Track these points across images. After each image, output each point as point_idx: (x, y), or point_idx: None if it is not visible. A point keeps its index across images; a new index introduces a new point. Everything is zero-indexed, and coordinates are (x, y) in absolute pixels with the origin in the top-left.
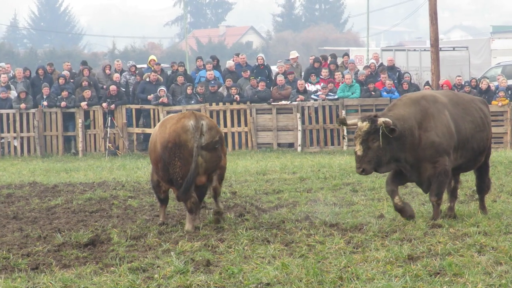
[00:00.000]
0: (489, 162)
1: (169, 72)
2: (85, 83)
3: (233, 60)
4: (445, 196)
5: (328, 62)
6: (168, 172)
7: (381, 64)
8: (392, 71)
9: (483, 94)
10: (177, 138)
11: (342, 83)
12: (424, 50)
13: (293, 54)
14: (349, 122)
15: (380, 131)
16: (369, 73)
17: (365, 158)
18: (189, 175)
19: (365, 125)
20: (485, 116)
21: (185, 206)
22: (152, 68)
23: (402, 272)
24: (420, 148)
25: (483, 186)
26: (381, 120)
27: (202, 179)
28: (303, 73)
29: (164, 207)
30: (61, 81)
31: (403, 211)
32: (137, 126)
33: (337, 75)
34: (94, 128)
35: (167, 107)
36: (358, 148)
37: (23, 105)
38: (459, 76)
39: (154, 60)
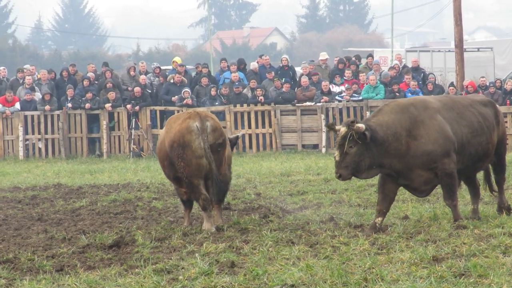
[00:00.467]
0: (504, 162)
1: (193, 74)
2: (109, 85)
3: (257, 62)
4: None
5: (349, 63)
6: (173, 171)
7: (405, 66)
8: (417, 72)
9: (508, 95)
10: (181, 139)
11: (367, 84)
12: (449, 51)
13: (323, 55)
14: (337, 127)
15: (349, 137)
16: (394, 74)
17: (342, 163)
18: (213, 176)
19: (342, 131)
20: (484, 120)
21: (198, 205)
22: (176, 70)
23: (427, 273)
24: (410, 155)
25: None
26: (356, 125)
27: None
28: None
29: (188, 211)
30: (86, 83)
31: (375, 232)
32: (162, 127)
33: (362, 76)
34: (119, 129)
35: (191, 108)
36: (336, 154)
37: (47, 107)
38: (483, 77)
39: (177, 62)
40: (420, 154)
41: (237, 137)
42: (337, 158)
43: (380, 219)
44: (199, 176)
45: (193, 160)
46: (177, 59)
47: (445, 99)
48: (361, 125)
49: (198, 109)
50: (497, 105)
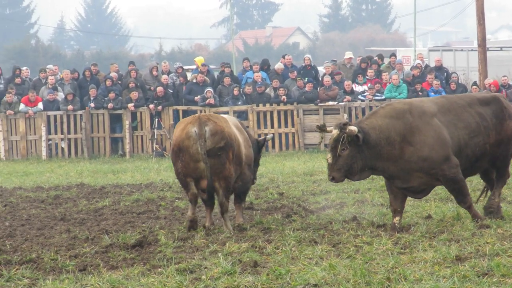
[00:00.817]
0: (507, 161)
1: (216, 74)
2: (132, 85)
3: (281, 63)
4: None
5: (371, 62)
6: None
7: (427, 65)
8: (440, 71)
9: None
10: (181, 143)
11: (389, 83)
12: (472, 50)
13: (348, 54)
14: (328, 128)
15: (342, 140)
16: (418, 73)
17: (334, 166)
18: (208, 181)
19: (335, 133)
20: (482, 119)
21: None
22: (199, 69)
23: (450, 272)
24: (404, 160)
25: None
26: (348, 128)
27: (204, 183)
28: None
29: (209, 210)
30: (108, 82)
31: (396, 231)
32: None
33: (384, 75)
34: (141, 129)
35: (214, 108)
36: (329, 156)
37: (70, 107)
38: (504, 76)
39: (199, 62)
40: (416, 160)
41: (265, 139)
42: (329, 161)
43: (397, 218)
44: (194, 177)
45: (190, 163)
46: (199, 59)
47: (442, 101)
48: (354, 128)
49: (203, 114)
50: (504, 100)
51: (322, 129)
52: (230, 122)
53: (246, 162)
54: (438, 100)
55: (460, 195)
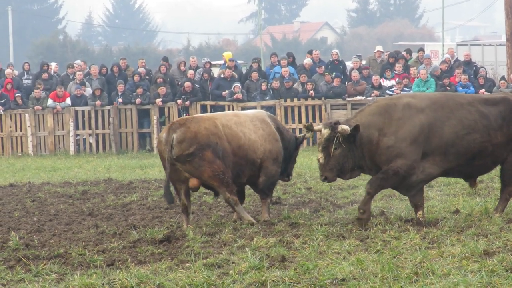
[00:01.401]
0: None
1: (244, 69)
2: (160, 80)
3: (307, 57)
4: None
5: (398, 57)
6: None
7: (457, 59)
8: (469, 66)
9: None
10: (158, 148)
11: (417, 78)
12: (500, 44)
13: (378, 48)
14: (316, 128)
15: (336, 140)
16: (446, 68)
17: (327, 166)
18: (164, 184)
19: (325, 132)
20: (482, 118)
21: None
22: (227, 64)
23: (478, 267)
24: (377, 154)
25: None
26: (340, 127)
27: (193, 182)
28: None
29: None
30: (136, 78)
31: (421, 224)
32: None
33: (413, 70)
34: None
35: (242, 103)
36: (320, 156)
37: (98, 102)
38: None
39: (227, 57)
40: (385, 150)
41: (303, 137)
42: (321, 161)
43: (420, 212)
44: (177, 182)
45: (166, 168)
46: (226, 54)
47: (437, 97)
48: (346, 127)
49: (182, 118)
50: None
51: (309, 128)
52: (223, 120)
53: (269, 157)
54: (434, 96)
55: (378, 181)
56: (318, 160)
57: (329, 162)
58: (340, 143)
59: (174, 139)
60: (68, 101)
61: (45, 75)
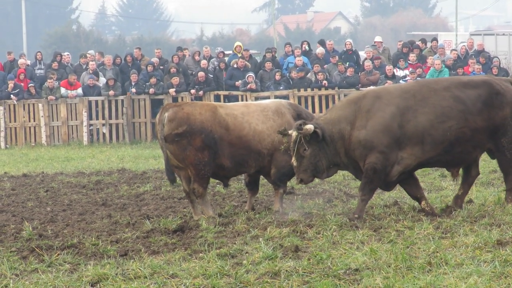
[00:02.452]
0: (505, 150)
1: (258, 59)
2: (173, 70)
3: (318, 46)
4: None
5: (413, 47)
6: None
7: (475, 50)
8: (481, 56)
9: None
10: (156, 129)
11: (432, 67)
12: None
13: (378, 38)
14: (290, 131)
15: (300, 140)
16: (456, 56)
17: (300, 168)
18: (165, 166)
19: (294, 135)
20: (458, 103)
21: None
22: (238, 55)
23: (491, 257)
24: (351, 149)
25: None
26: (304, 127)
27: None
28: (391, 57)
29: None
30: (150, 68)
31: (433, 214)
32: None
33: (430, 59)
34: None
35: (255, 93)
36: (293, 159)
37: (111, 92)
38: None
39: (240, 47)
40: (357, 144)
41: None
42: (294, 164)
43: (423, 202)
44: (175, 168)
45: (162, 148)
46: (239, 44)
47: (408, 87)
48: (309, 126)
49: (181, 102)
50: (500, 85)
51: (283, 133)
52: (228, 109)
53: (278, 148)
54: (406, 85)
55: (367, 186)
56: (292, 163)
57: (302, 163)
58: (309, 143)
59: (166, 118)
60: (80, 90)
61: (55, 64)
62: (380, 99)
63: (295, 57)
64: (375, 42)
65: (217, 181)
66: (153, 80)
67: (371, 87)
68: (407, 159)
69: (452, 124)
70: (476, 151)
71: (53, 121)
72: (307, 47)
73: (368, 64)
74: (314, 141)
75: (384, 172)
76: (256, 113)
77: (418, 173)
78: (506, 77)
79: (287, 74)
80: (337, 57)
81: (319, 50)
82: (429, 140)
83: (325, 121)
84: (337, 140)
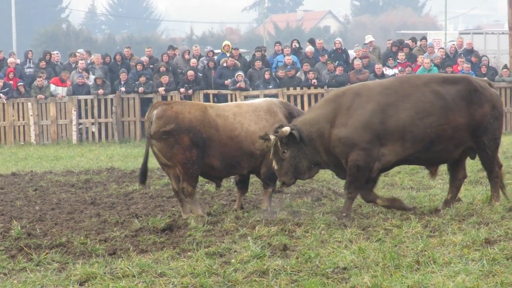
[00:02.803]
0: (488, 148)
1: (247, 57)
2: (162, 69)
3: (308, 45)
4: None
5: (402, 45)
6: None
7: (464, 49)
8: (471, 55)
9: None
10: (145, 127)
11: (421, 66)
12: (502, 33)
13: (368, 38)
14: (271, 136)
15: (278, 144)
16: (443, 55)
17: (281, 170)
18: (142, 163)
19: (272, 139)
20: (438, 99)
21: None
22: (227, 54)
23: (479, 255)
24: (332, 147)
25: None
26: (281, 130)
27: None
28: (381, 56)
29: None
30: (139, 67)
31: (394, 206)
32: None
33: (420, 58)
34: None
35: (245, 92)
36: (274, 163)
37: (101, 91)
38: None
39: (229, 46)
40: (337, 142)
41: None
42: (275, 167)
43: (379, 200)
44: (164, 166)
45: (146, 146)
46: (227, 43)
47: (389, 83)
48: (285, 129)
49: (172, 101)
50: (478, 83)
51: (264, 138)
52: (219, 110)
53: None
54: (386, 82)
55: (353, 182)
56: (273, 166)
57: (282, 166)
58: (287, 145)
59: (154, 115)
60: (70, 88)
61: (42, 63)
62: (360, 96)
63: (284, 56)
64: (367, 42)
65: (206, 180)
66: (142, 79)
67: (360, 84)
68: (387, 156)
69: (432, 120)
70: (457, 149)
71: (42, 120)
72: (297, 45)
73: (357, 63)
74: (292, 143)
75: (368, 168)
76: (248, 113)
77: (407, 171)
78: (495, 76)
79: (273, 73)
80: (326, 56)
81: (309, 48)
82: (409, 136)
83: (303, 121)
84: (316, 139)
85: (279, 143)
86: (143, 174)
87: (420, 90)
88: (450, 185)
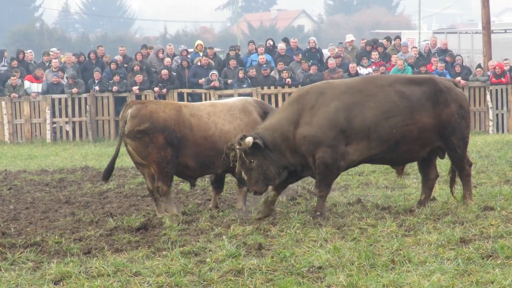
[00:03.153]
0: (457, 149)
1: (221, 56)
2: (136, 68)
3: (282, 43)
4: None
5: (377, 45)
6: None
7: (438, 48)
8: (445, 54)
9: None
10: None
11: (394, 66)
12: (476, 32)
13: (349, 37)
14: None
15: (243, 155)
16: (417, 54)
17: (251, 180)
18: (110, 161)
19: (238, 149)
20: (402, 99)
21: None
22: (200, 53)
23: (454, 255)
24: (297, 146)
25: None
26: (243, 141)
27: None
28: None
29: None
30: (113, 66)
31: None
32: None
33: (394, 57)
34: None
35: (219, 91)
36: (243, 173)
37: (75, 90)
38: (506, 59)
39: (202, 45)
40: (302, 141)
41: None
42: (244, 177)
43: (272, 193)
44: (139, 165)
45: (118, 145)
46: (200, 42)
47: (354, 82)
48: (248, 139)
49: (145, 100)
50: (443, 84)
51: (231, 148)
52: (193, 109)
53: None
54: (351, 81)
55: (323, 180)
56: (243, 177)
57: (252, 176)
58: (253, 154)
59: (128, 114)
60: (44, 86)
61: (14, 63)
62: (323, 95)
63: (258, 55)
64: (346, 42)
65: (181, 179)
66: (116, 78)
67: (323, 82)
68: (352, 155)
69: (398, 120)
70: (424, 150)
71: (16, 118)
72: (271, 42)
73: (331, 62)
74: (257, 152)
75: (336, 165)
76: (222, 112)
77: (382, 171)
78: (469, 75)
79: (246, 72)
80: (300, 55)
81: (280, 46)
82: (375, 136)
83: (265, 127)
84: (281, 143)
85: (243, 154)
86: (108, 171)
87: (385, 90)
88: (422, 186)
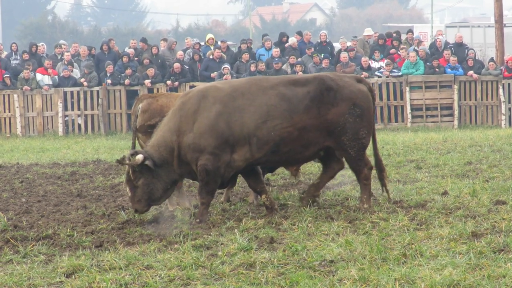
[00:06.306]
0: (348, 148)
1: (234, 50)
2: (146, 61)
3: (295, 37)
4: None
5: (393, 38)
6: None
7: (454, 43)
8: (461, 48)
9: None
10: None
11: (407, 59)
12: (489, 26)
13: (368, 31)
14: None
15: (131, 172)
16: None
17: (134, 198)
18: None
19: (127, 164)
20: (283, 101)
21: None
22: (211, 47)
23: (466, 249)
24: (183, 155)
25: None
26: (134, 159)
27: None
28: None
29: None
30: (125, 59)
31: (272, 208)
32: None
33: (402, 52)
34: None
35: None
36: (127, 190)
37: (85, 82)
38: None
39: (213, 39)
40: (187, 149)
41: None
42: (129, 194)
43: (263, 196)
44: None
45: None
46: (211, 36)
47: (239, 84)
48: (138, 157)
49: (159, 93)
50: (336, 82)
51: (121, 162)
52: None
53: None
54: (237, 83)
55: (203, 189)
56: (127, 193)
57: (136, 193)
58: (141, 172)
59: (140, 108)
60: (56, 79)
61: (25, 55)
62: (206, 98)
63: (266, 50)
64: (365, 35)
65: None
66: (128, 71)
67: (207, 84)
68: (238, 161)
69: (276, 123)
70: (308, 150)
71: (28, 112)
72: (285, 40)
73: (344, 56)
74: (146, 171)
75: (218, 173)
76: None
77: (394, 164)
78: (482, 69)
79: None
80: (312, 48)
81: (291, 40)
82: (254, 140)
83: (151, 145)
84: (168, 157)
85: (131, 171)
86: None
87: (267, 93)
88: (322, 173)
